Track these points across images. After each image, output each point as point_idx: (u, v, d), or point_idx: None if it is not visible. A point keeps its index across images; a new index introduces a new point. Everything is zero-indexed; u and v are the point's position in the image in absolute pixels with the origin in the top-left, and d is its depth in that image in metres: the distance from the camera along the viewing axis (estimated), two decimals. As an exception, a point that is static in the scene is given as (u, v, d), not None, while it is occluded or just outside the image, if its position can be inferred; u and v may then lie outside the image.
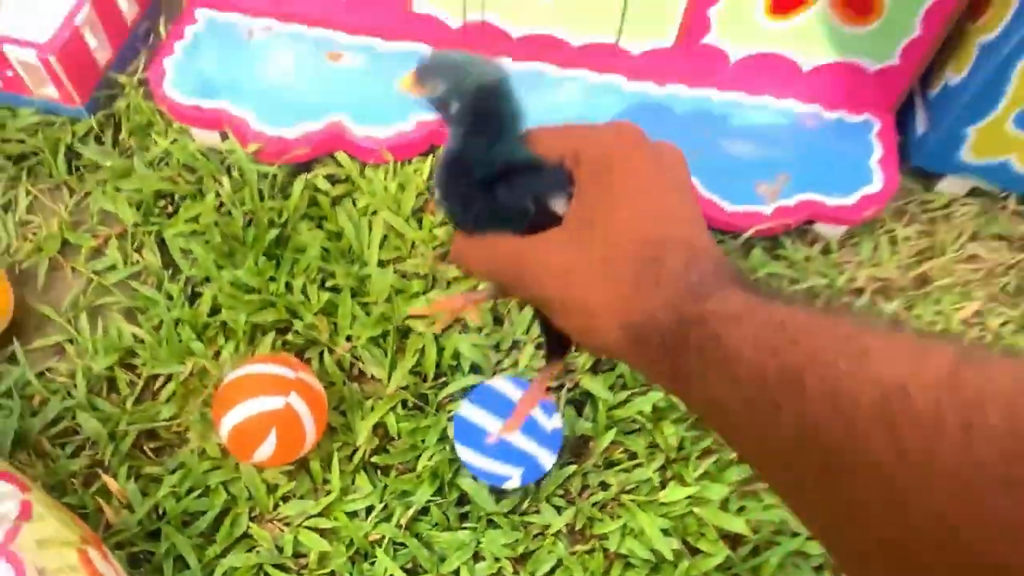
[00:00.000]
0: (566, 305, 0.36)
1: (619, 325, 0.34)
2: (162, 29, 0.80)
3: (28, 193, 0.74)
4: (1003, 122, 0.68)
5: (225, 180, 0.73)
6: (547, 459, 0.60)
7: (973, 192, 0.76)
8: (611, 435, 0.63)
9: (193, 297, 0.69)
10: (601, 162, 0.37)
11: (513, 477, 0.59)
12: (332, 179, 0.74)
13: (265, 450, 0.57)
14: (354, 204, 0.73)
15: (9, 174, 0.75)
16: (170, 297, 0.69)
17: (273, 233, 0.70)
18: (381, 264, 0.70)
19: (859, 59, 0.71)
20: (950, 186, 0.76)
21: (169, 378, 0.66)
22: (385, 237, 0.72)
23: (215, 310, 0.68)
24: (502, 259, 0.38)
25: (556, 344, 0.43)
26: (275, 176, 0.73)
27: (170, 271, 0.71)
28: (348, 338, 0.67)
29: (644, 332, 0.34)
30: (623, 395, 0.66)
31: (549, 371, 0.45)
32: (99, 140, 0.76)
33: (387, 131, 0.73)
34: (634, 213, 0.36)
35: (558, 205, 0.37)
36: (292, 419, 0.57)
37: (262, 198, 0.72)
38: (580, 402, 0.66)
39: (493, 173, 0.38)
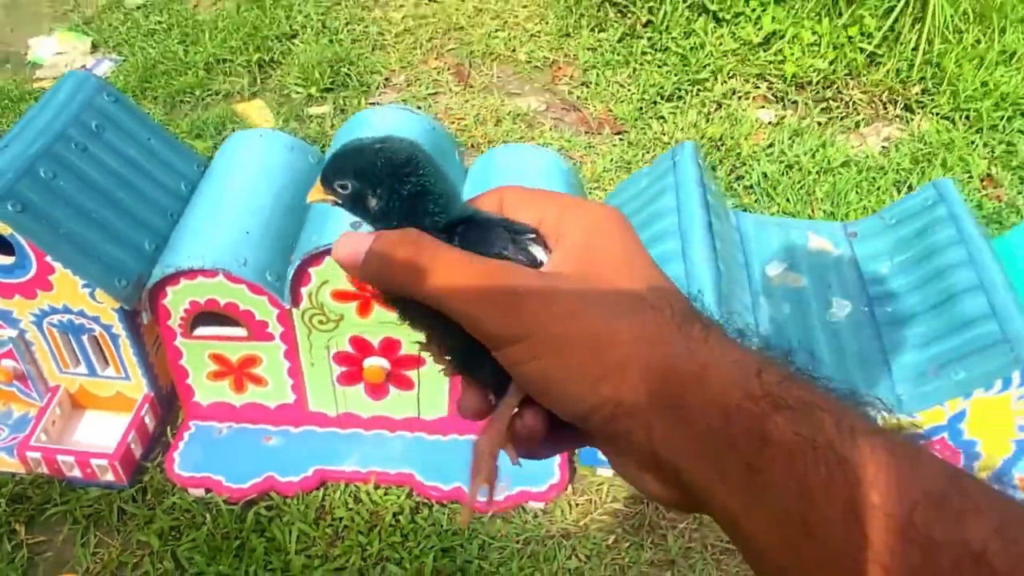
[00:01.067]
0: (571, 341, 0.30)
1: (644, 366, 0.29)
2: (168, 432, 1.44)
3: (95, 536, 1.32)
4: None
5: (208, 516, 1.33)
6: None
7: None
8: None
9: (194, 584, 1.27)
10: (604, 224, 0.35)
11: None
12: (268, 507, 1.36)
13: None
14: (280, 520, 1.34)
15: (83, 526, 1.33)
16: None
17: (237, 543, 1.30)
18: (297, 552, 1.30)
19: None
20: (605, 471, 1.43)
21: (183, 631, 1.22)
22: (298, 537, 1.32)
23: (208, 589, 1.26)
24: (496, 276, 0.32)
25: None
26: (236, 510, 1.34)
27: (179, 572, 1.28)
28: (281, 596, 1.25)
29: (684, 386, 0.29)
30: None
31: (504, 411, 0.36)
32: (134, 500, 1.36)
33: (299, 477, 1.37)
34: (655, 270, 0.33)
35: (537, 252, 0.35)
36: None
37: (238, 516, 1.33)
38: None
39: (454, 225, 0.36)
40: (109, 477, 1.35)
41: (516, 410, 0.36)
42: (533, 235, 0.36)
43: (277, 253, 1.25)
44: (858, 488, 0.25)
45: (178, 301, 1.25)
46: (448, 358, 0.39)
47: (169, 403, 1.47)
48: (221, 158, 1.41)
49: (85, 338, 1.33)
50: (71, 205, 1.24)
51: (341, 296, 1.23)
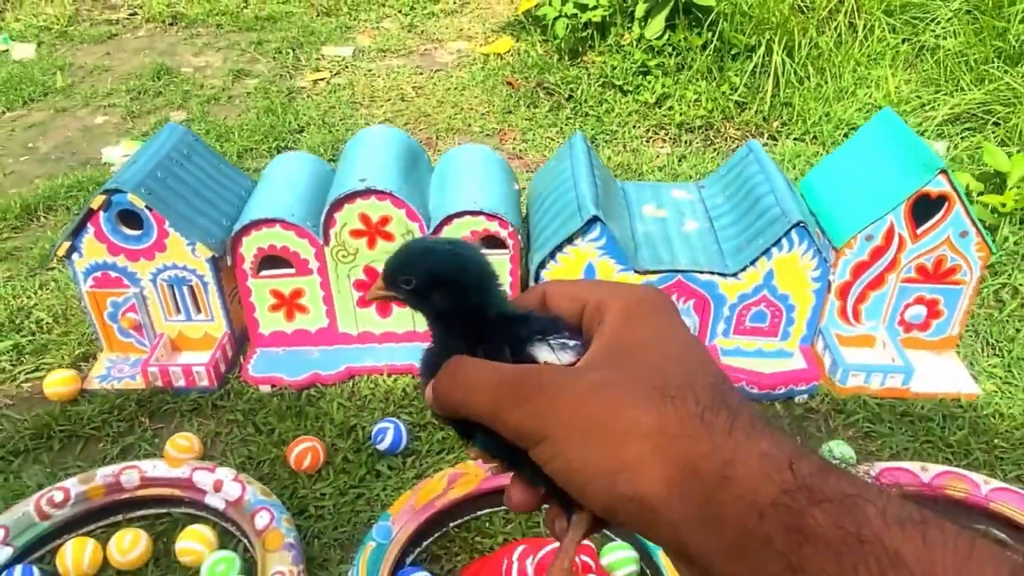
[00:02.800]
0: (591, 430, 0.31)
1: (663, 461, 0.30)
2: (241, 356, 2.05)
3: (197, 421, 1.91)
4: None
5: (274, 400, 1.93)
6: None
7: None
8: None
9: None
10: (639, 306, 0.36)
11: None
12: (315, 392, 1.95)
13: None
14: (324, 399, 1.93)
15: (188, 417, 1.92)
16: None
17: (296, 410, 1.89)
18: (336, 413, 1.89)
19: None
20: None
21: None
22: (337, 406, 1.91)
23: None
24: (512, 375, 0.34)
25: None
26: (294, 393, 1.94)
27: (257, 432, 1.86)
28: (329, 437, 1.84)
29: (708, 484, 0.28)
30: None
31: (574, 539, 0.38)
32: (222, 399, 1.96)
33: (335, 371, 1.97)
34: (687, 351, 0.34)
35: (541, 351, 0.37)
36: None
37: (295, 397, 1.92)
38: None
39: (480, 327, 0.39)
40: (204, 383, 1.96)
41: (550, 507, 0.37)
42: (558, 335, 0.38)
43: (311, 211, 1.93)
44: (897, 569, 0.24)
45: (250, 248, 1.90)
46: (496, 461, 0.40)
47: (240, 345, 2.09)
48: (269, 167, 2.11)
49: (185, 289, 1.97)
50: (177, 194, 1.92)
51: (356, 234, 1.89)
